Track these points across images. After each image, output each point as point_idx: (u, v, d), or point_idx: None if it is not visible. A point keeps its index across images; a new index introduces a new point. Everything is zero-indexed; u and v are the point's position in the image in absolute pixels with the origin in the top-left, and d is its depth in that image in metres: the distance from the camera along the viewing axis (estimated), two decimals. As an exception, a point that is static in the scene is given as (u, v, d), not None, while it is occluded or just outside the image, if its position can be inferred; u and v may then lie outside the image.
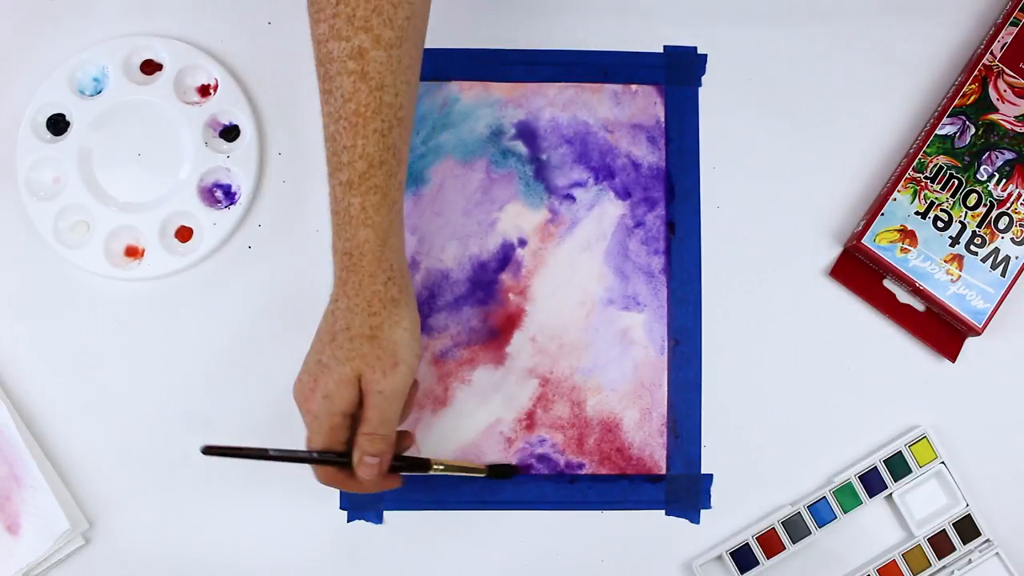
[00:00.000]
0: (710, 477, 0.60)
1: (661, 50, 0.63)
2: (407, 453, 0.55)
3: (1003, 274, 0.59)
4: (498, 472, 0.59)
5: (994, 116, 0.60)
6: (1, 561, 0.57)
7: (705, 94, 0.63)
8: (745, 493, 0.60)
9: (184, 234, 0.61)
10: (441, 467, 0.55)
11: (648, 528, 0.60)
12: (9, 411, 0.58)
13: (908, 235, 0.60)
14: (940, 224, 0.60)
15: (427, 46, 0.62)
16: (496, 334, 0.61)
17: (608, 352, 0.61)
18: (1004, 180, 0.60)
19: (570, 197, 0.62)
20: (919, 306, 0.61)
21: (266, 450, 0.50)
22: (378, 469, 0.50)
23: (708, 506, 0.60)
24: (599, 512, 0.60)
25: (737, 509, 0.60)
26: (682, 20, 0.63)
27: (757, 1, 0.63)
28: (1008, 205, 0.60)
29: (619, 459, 0.60)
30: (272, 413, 0.60)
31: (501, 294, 0.61)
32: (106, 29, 0.62)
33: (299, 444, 0.59)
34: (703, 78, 0.63)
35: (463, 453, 0.60)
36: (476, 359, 0.61)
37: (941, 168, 0.60)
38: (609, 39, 0.63)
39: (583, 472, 0.60)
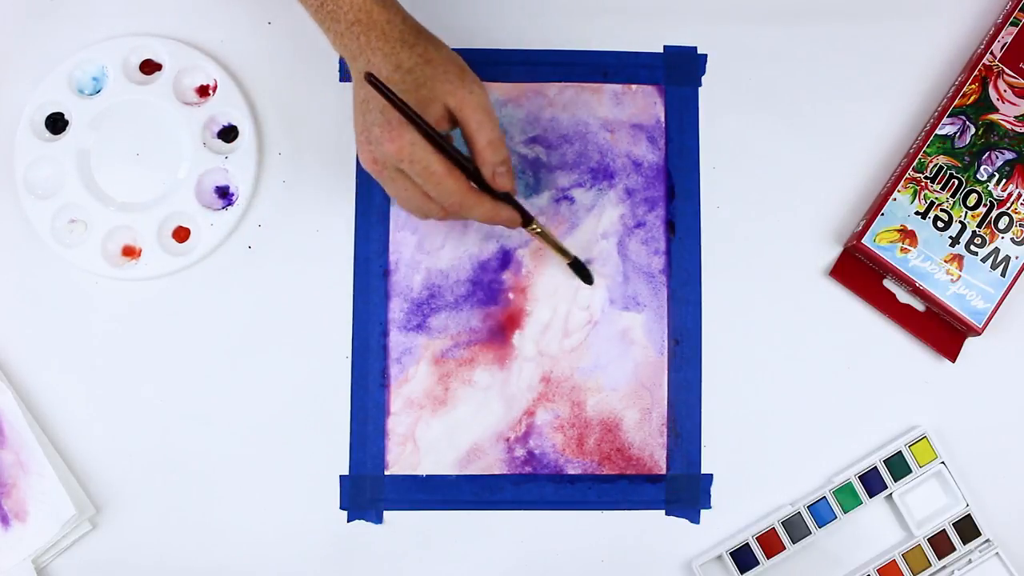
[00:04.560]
0: (710, 477, 0.60)
1: (661, 50, 0.63)
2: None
3: (1003, 274, 0.59)
4: (578, 269, 0.60)
5: (994, 116, 0.60)
6: (10, 547, 0.58)
7: (705, 94, 0.63)
8: (745, 493, 0.60)
9: (181, 234, 0.61)
10: (538, 229, 0.56)
11: (648, 528, 0.60)
12: (15, 399, 0.59)
13: (908, 235, 0.60)
14: (940, 224, 0.60)
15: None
16: (496, 334, 0.61)
17: (608, 352, 0.61)
18: (1004, 180, 0.60)
19: (570, 197, 0.62)
20: (919, 306, 0.61)
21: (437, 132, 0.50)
22: (511, 175, 0.52)
23: (708, 506, 0.60)
24: (599, 512, 0.60)
25: (737, 509, 0.60)
26: (682, 20, 0.63)
27: (757, 1, 0.63)
28: (1008, 205, 0.60)
29: (619, 459, 0.60)
30: (272, 413, 0.60)
31: (501, 294, 0.61)
32: (106, 29, 0.62)
33: (294, 462, 0.60)
34: (703, 78, 0.63)
35: (463, 452, 0.60)
36: (476, 359, 0.61)
37: (941, 168, 0.60)
38: (609, 39, 0.63)
39: (583, 472, 0.60)
